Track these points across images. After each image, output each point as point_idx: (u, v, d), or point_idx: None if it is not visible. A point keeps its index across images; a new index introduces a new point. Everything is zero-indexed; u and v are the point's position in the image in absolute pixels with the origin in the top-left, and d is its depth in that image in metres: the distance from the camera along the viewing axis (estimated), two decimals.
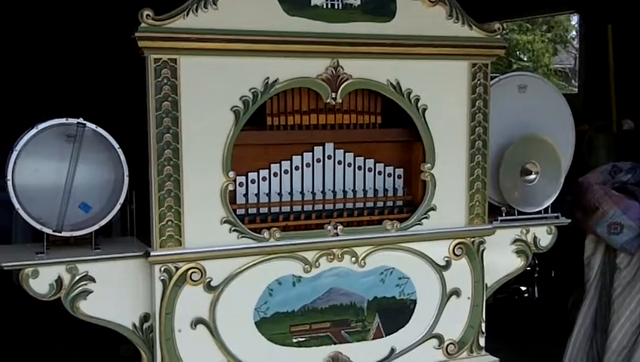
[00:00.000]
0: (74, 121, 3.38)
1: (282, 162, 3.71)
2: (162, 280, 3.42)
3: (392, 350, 3.92)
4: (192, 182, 3.44)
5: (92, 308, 3.41)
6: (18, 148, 3.31)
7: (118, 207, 3.46)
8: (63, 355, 5.52)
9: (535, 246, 4.31)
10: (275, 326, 3.66)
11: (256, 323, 3.63)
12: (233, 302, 3.56)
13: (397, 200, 3.93)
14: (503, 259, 4.22)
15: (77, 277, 3.37)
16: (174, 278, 3.44)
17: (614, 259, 4.81)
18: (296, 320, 3.70)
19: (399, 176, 3.95)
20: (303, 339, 3.73)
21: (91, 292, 3.39)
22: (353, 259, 3.77)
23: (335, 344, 3.80)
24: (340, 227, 3.73)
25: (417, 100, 3.82)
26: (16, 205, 3.31)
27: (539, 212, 4.33)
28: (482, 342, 4.13)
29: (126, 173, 3.46)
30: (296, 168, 3.73)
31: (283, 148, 3.72)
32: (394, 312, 3.91)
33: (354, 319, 3.83)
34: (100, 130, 3.43)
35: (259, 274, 3.60)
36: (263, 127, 3.66)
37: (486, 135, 3.99)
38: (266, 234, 3.59)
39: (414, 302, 3.94)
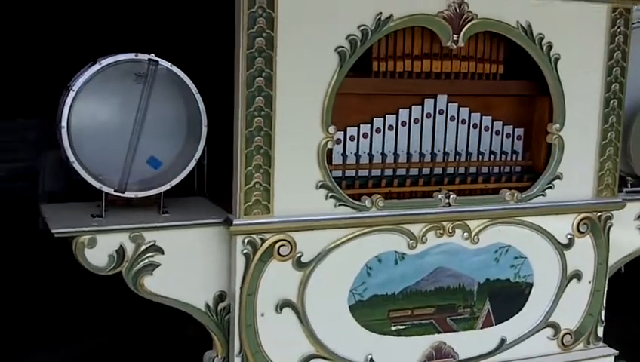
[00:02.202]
0: (145, 57, 2.75)
1: (387, 116, 3.08)
2: (245, 253, 2.83)
3: (503, 340, 3.34)
4: (286, 138, 2.82)
5: (159, 284, 2.83)
6: (76, 87, 2.69)
7: (193, 163, 2.86)
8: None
9: None
10: (372, 310, 3.08)
11: (350, 307, 3.04)
12: (326, 282, 2.97)
13: (515, 165, 3.31)
14: (625, 236, 3.61)
15: (142, 248, 2.78)
16: (259, 252, 2.85)
17: None
18: (397, 305, 3.12)
19: (519, 137, 3.32)
20: (403, 327, 3.15)
21: (158, 265, 2.81)
22: (465, 234, 3.17)
23: (439, 333, 3.23)
24: (452, 196, 3.11)
25: (550, 48, 3.16)
26: (71, 157, 2.70)
27: None
28: (600, 332, 3.55)
29: (204, 122, 2.84)
30: (403, 124, 3.11)
31: (388, 99, 3.09)
32: (507, 297, 3.32)
33: (462, 304, 3.25)
34: (175, 69, 2.80)
35: (356, 250, 3.00)
36: (367, 74, 3.01)
37: (622, 93, 3.35)
38: (367, 203, 2.98)
39: (530, 285, 3.34)
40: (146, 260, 2.79)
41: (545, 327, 3.41)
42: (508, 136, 3.29)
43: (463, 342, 3.26)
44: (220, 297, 2.93)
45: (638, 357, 3.77)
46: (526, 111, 3.34)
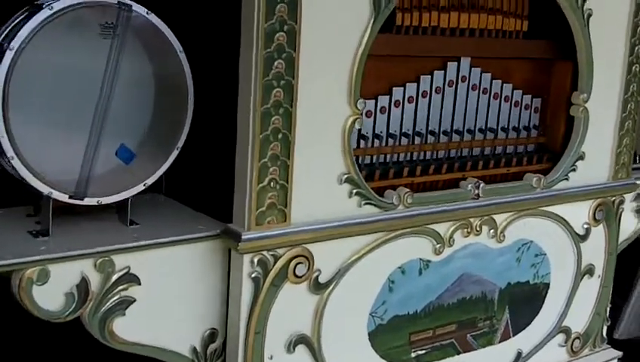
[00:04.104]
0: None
1: (407, 85, 2.38)
2: (255, 278, 2.04)
3: (519, 354, 2.81)
4: (307, 117, 2.04)
5: (134, 328, 1.97)
6: (14, 44, 1.74)
7: (175, 153, 2.00)
8: None
9: None
10: (393, 335, 2.41)
11: (370, 334, 2.35)
12: (344, 306, 2.25)
13: (529, 143, 2.74)
14: (623, 220, 3.17)
15: (113, 278, 1.91)
16: (272, 274, 2.07)
17: None
18: (418, 325, 2.47)
19: (536, 110, 2.75)
20: (423, 352, 2.52)
21: (133, 301, 1.95)
22: (492, 231, 2.57)
23: (458, 354, 2.62)
24: (482, 185, 2.49)
25: (583, 1, 2.60)
26: (8, 150, 1.76)
27: None
28: (604, 331, 3.11)
29: (191, 95, 1.99)
30: (424, 95, 2.43)
31: (408, 63, 2.40)
32: (525, 302, 2.78)
33: (482, 317, 2.66)
34: (154, 18, 1.92)
35: (378, 261, 2.31)
36: (389, 30, 2.29)
37: None
38: (394, 199, 2.28)
39: (547, 286, 2.83)
40: (118, 295, 1.92)
41: (558, 334, 2.91)
42: (526, 108, 2.71)
43: (482, 361, 2.68)
44: (211, 337, 2.12)
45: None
46: (542, 77, 2.77)
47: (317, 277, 2.16)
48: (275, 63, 1.94)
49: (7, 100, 1.74)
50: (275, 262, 2.06)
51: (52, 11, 1.77)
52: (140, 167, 1.97)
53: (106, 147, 1.89)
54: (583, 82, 2.70)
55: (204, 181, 2.17)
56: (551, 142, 2.79)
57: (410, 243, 2.36)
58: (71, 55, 1.82)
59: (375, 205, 2.24)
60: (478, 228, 2.51)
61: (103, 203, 1.93)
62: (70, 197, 1.87)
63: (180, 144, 2.00)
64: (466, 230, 2.48)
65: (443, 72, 2.46)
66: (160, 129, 1.98)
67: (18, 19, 1.84)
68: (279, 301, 2.09)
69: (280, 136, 1.99)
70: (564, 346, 2.94)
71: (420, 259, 2.41)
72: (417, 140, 2.41)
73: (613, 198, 2.93)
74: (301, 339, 2.17)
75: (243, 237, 1.98)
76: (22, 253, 1.78)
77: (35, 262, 1.78)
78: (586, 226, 2.87)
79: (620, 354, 3.12)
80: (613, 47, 2.78)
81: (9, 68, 1.74)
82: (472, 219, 2.49)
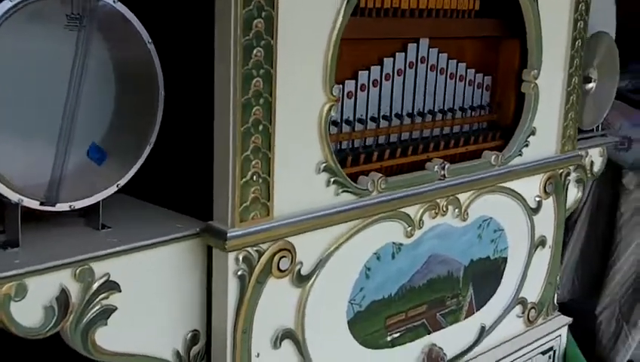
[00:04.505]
0: None
1: (371, 68, 2.34)
2: (240, 275, 1.96)
3: (482, 328, 2.84)
4: (285, 106, 1.97)
5: (116, 337, 1.87)
6: None
7: (147, 149, 1.90)
8: None
9: (591, 173, 3.41)
10: (371, 321, 2.39)
11: (349, 322, 2.32)
12: (325, 297, 2.21)
13: (482, 120, 2.77)
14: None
15: (94, 287, 1.79)
16: (257, 270, 2.00)
17: (619, 180, 4.10)
18: (393, 308, 2.46)
19: (487, 88, 2.77)
20: (398, 335, 2.51)
21: (114, 310, 1.84)
22: (457, 210, 2.58)
23: (429, 333, 2.63)
24: (447, 166, 2.49)
25: None
26: None
27: (589, 131, 3.41)
28: (555, 299, 3.20)
29: (161, 88, 1.89)
30: (387, 77, 2.39)
31: (372, 46, 2.36)
32: (486, 278, 2.82)
33: (450, 295, 2.68)
34: (121, 7, 1.80)
35: (355, 249, 2.27)
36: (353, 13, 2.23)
37: (585, 32, 2.95)
38: (369, 185, 2.24)
39: (505, 260, 2.87)
40: (99, 305, 1.81)
41: (516, 305, 2.97)
42: (479, 86, 2.73)
43: (450, 338, 2.71)
44: (194, 339, 2.04)
45: None
46: (491, 56, 2.79)
47: (299, 270, 2.10)
48: (254, 51, 1.86)
49: None
50: (259, 258, 1.99)
51: (13, 3, 1.62)
52: (111, 167, 1.85)
53: (75, 147, 1.76)
54: (532, 59, 2.73)
55: (175, 178, 2.07)
56: (502, 119, 2.82)
57: (384, 228, 2.34)
58: (36, 49, 1.68)
59: (351, 192, 2.20)
60: (444, 209, 2.51)
61: (75, 208, 1.80)
62: (41, 204, 1.74)
63: (152, 140, 1.90)
64: (434, 211, 2.48)
65: (403, 53, 2.43)
66: (130, 125, 1.87)
67: None
68: (264, 297, 2.03)
69: (261, 127, 1.91)
70: (521, 317, 3.00)
71: (393, 243, 2.39)
72: (384, 124, 2.38)
73: (561, 171, 3.00)
74: (286, 334, 2.12)
75: (229, 234, 1.89)
76: None
77: (12, 277, 1.65)
78: (537, 199, 2.92)
79: (570, 319, 3.21)
80: (558, 23, 2.82)
81: None
82: (438, 200, 2.49)
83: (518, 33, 2.74)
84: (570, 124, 2.97)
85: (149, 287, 1.91)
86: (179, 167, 2.06)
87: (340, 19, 2.05)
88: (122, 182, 1.87)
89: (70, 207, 1.79)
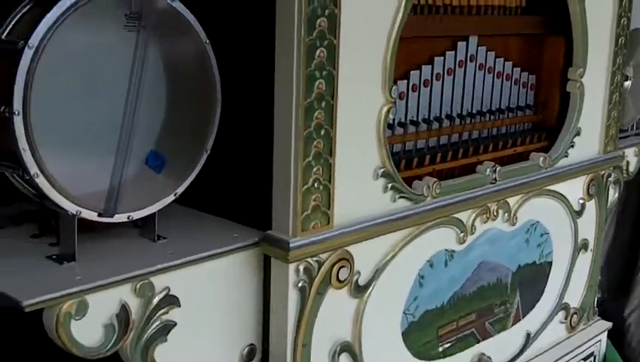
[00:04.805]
0: None
1: (423, 67, 2.25)
2: (301, 287, 1.86)
3: (528, 336, 2.76)
4: (346, 109, 1.88)
5: (175, 354, 1.77)
6: (34, 40, 1.49)
7: (204, 156, 1.80)
8: None
9: (627, 173, 3.33)
10: (424, 332, 2.30)
11: (403, 333, 2.22)
12: (381, 307, 2.12)
13: (527, 120, 2.68)
14: None
15: (154, 302, 1.69)
16: (317, 281, 1.90)
17: None
18: (445, 318, 2.37)
19: (532, 87, 2.68)
20: (449, 345, 2.42)
21: (174, 326, 1.74)
22: (506, 215, 2.49)
23: (478, 342, 2.54)
24: (498, 169, 2.40)
25: None
26: (31, 166, 1.52)
27: (624, 130, 3.33)
28: (595, 303, 3.12)
29: (218, 91, 1.79)
30: (437, 77, 2.30)
31: (423, 44, 2.27)
32: (532, 283, 2.74)
33: (498, 302, 2.59)
34: (178, 4, 1.70)
35: (409, 257, 2.18)
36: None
37: (628, 28, 2.87)
38: (424, 190, 2.15)
39: (550, 265, 2.79)
40: (159, 320, 1.71)
41: (560, 311, 2.88)
42: (524, 85, 2.64)
43: (498, 346, 2.62)
44: (250, 353, 1.94)
45: None
46: (535, 54, 2.70)
47: (357, 280, 2.01)
48: (318, 52, 1.76)
49: (28, 108, 1.49)
50: (319, 268, 1.90)
51: (70, 2, 1.52)
52: (168, 175, 1.75)
53: (134, 155, 1.66)
54: (578, 57, 2.65)
55: (229, 185, 1.97)
56: (547, 119, 2.73)
57: (437, 235, 2.25)
58: (93, 53, 1.58)
59: (408, 198, 2.10)
60: (495, 213, 2.43)
61: (133, 218, 1.70)
62: (99, 215, 1.64)
63: (209, 146, 1.80)
64: (485, 216, 2.39)
65: (453, 52, 2.34)
66: (186, 131, 1.77)
67: (25, 9, 1.59)
68: (323, 309, 1.93)
69: (322, 132, 1.82)
70: (564, 322, 2.92)
71: (446, 249, 2.30)
72: (435, 125, 2.29)
73: (603, 172, 2.91)
74: (344, 347, 2.02)
75: (291, 244, 1.80)
76: (56, 284, 1.54)
77: (73, 294, 1.54)
78: (581, 202, 2.84)
79: (610, 324, 3.13)
80: (603, 19, 2.74)
81: (29, 70, 1.48)
82: (489, 204, 2.40)
83: (562, 30, 2.65)
84: (612, 124, 2.89)
85: (207, 301, 1.81)
86: (233, 174, 1.96)
87: (400, 16, 1.95)
88: (180, 190, 1.77)
89: (128, 218, 1.69)
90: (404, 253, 2.13)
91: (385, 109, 1.98)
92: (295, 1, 1.70)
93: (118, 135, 1.63)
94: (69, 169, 1.57)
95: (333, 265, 1.92)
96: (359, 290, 2.02)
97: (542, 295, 2.77)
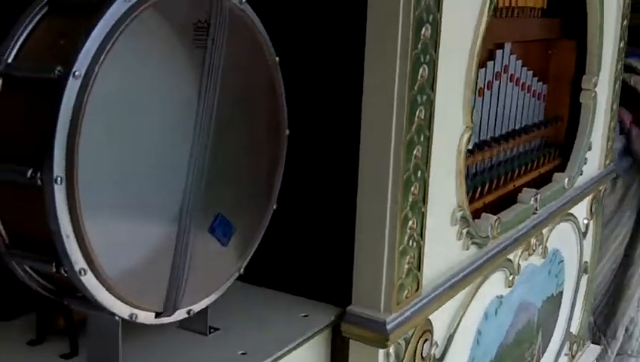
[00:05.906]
0: None
1: None
2: None
3: None
4: (437, 142, 1.46)
5: None
6: (80, 67, 0.95)
7: (270, 211, 1.32)
8: None
9: None
10: None
11: None
12: None
13: (540, 137, 2.38)
14: None
15: None
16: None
17: None
18: None
19: (544, 98, 2.38)
20: None
21: None
22: (540, 247, 2.17)
23: None
24: (539, 196, 2.07)
25: None
26: (78, 262, 0.98)
27: None
28: (587, 327, 2.89)
29: (285, 123, 1.32)
30: (479, 93, 1.93)
31: None
32: (549, 318, 2.44)
33: (528, 346, 2.27)
34: (247, 8, 1.21)
35: (473, 312, 1.80)
36: None
37: (627, 29, 2.64)
38: (489, 231, 1.78)
39: (561, 294, 2.50)
40: None
41: (566, 342, 2.61)
42: (539, 97, 2.33)
43: None
44: None
45: None
46: (543, 60, 2.40)
47: (434, 353, 1.60)
48: (420, 71, 1.33)
49: (75, 172, 0.96)
50: (406, 348, 1.47)
51: (130, 3, 1.00)
52: (234, 246, 1.26)
53: (195, 222, 1.16)
54: (592, 64, 2.37)
55: (289, 247, 1.49)
56: (557, 134, 2.44)
57: (491, 281, 1.88)
58: (158, 78, 1.06)
59: (477, 243, 1.72)
60: (534, 248, 2.10)
61: (194, 312, 1.20)
62: (157, 316, 1.13)
63: (275, 198, 1.32)
64: (527, 252, 2.05)
65: (492, 62, 1.97)
66: (250, 181, 1.28)
67: (39, 17, 1.05)
68: None
69: (419, 173, 1.39)
70: (567, 354, 2.65)
71: (497, 296, 1.93)
72: (483, 147, 1.92)
73: (601, 188, 2.67)
74: None
75: (389, 324, 1.36)
76: None
77: None
78: (585, 222, 2.59)
79: (600, 348, 2.92)
80: (610, 21, 2.48)
81: (74, 110, 0.95)
82: (531, 239, 2.06)
83: (573, 33, 2.36)
84: (610, 135, 2.65)
85: None
86: (295, 233, 1.48)
87: (483, 25, 1.56)
88: (244, 264, 1.28)
89: (189, 313, 1.18)
90: (470, 309, 1.75)
91: (465, 137, 1.58)
92: (401, 5, 1.26)
93: (180, 199, 1.12)
94: (123, 258, 1.05)
95: (417, 341, 1.50)
96: None
97: (555, 329, 2.49)
